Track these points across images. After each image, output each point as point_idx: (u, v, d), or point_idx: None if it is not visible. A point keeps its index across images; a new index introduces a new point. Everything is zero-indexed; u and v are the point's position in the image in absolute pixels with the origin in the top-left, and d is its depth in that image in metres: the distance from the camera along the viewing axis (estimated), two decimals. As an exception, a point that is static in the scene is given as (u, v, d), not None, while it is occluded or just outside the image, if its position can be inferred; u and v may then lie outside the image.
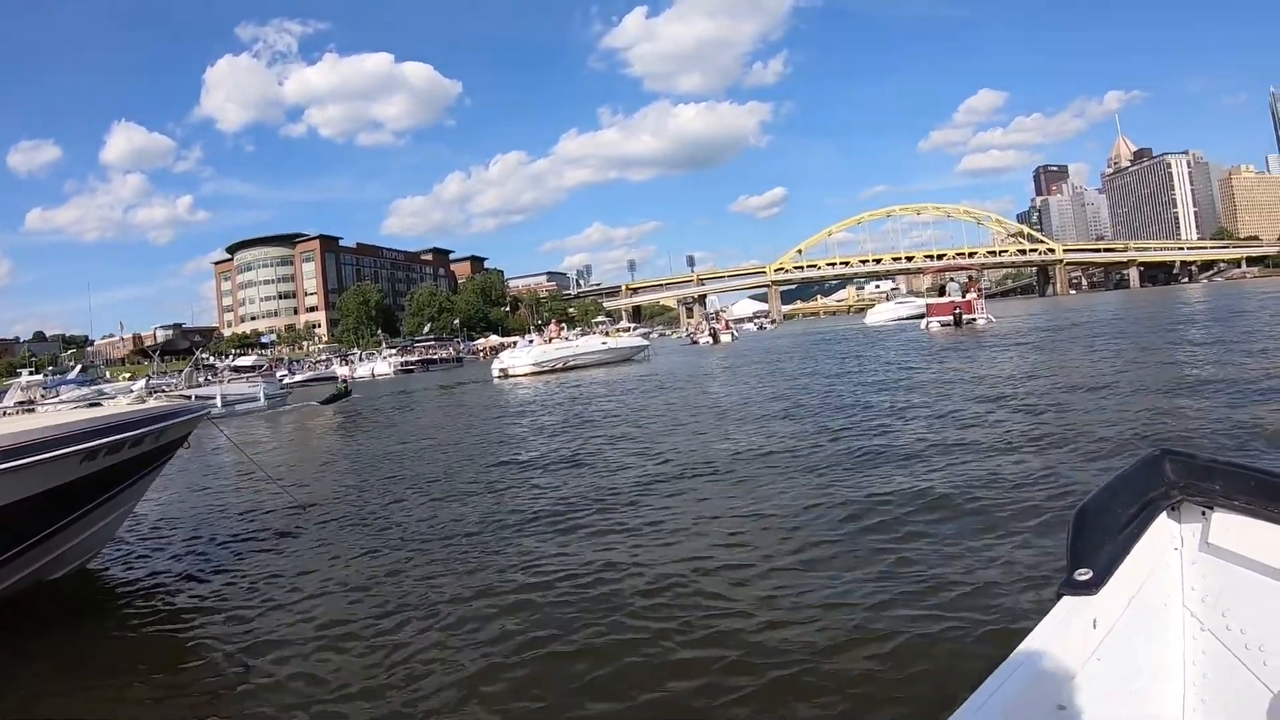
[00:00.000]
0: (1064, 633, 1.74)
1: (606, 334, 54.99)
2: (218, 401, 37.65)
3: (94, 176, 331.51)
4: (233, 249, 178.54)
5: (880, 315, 76.57)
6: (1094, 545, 1.90)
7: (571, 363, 44.14)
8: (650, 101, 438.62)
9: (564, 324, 69.70)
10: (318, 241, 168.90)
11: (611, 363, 45.59)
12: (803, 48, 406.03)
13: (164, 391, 38.79)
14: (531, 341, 49.35)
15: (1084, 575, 1.81)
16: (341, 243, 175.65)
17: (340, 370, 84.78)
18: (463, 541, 7.88)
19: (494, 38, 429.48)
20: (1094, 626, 1.79)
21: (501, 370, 43.81)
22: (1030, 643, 1.70)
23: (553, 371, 42.64)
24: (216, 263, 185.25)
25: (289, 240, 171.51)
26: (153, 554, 8.98)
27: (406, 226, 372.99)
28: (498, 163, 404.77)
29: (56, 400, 44.48)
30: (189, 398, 37.48)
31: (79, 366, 67.40)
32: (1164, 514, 1.99)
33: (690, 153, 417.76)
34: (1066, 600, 1.79)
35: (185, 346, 55.32)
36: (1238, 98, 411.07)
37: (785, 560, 6.17)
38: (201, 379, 42.80)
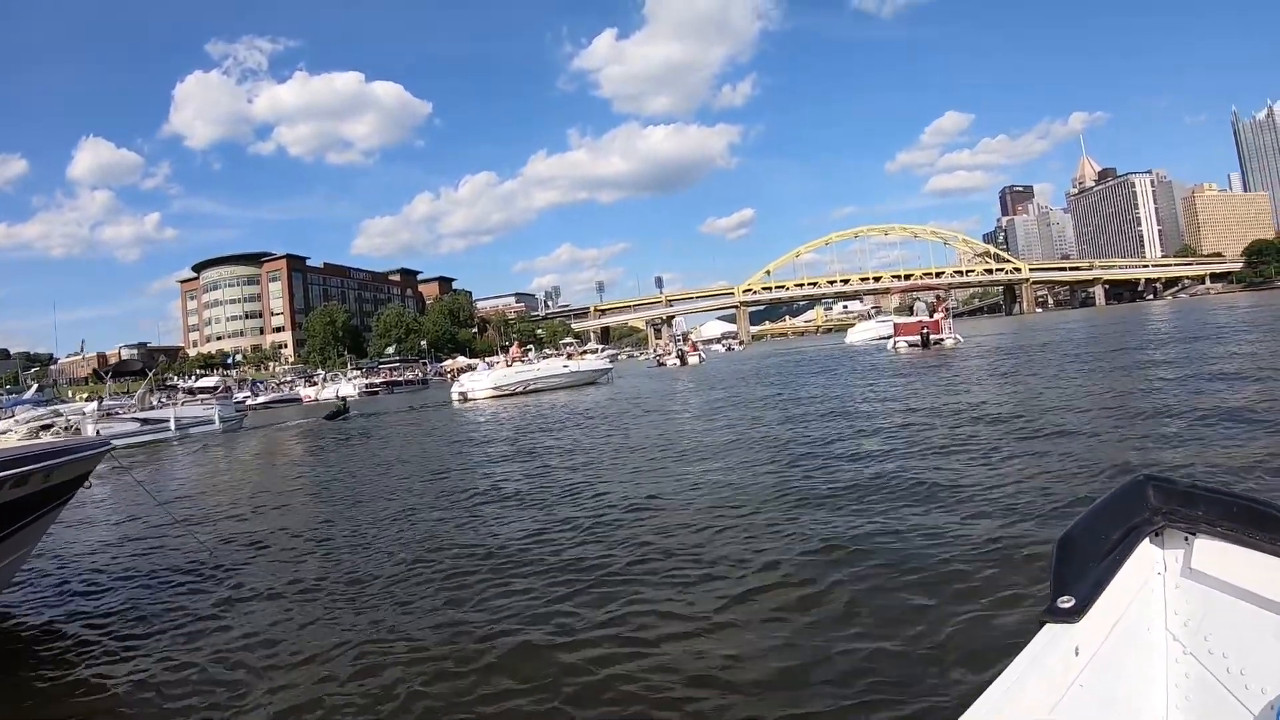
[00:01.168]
0: (1046, 661, 1.73)
1: (569, 356, 54.50)
2: (171, 425, 37.22)
3: (61, 192, 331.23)
4: (199, 267, 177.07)
5: (862, 334, 76.67)
6: (1077, 572, 1.91)
7: (532, 386, 43.80)
8: (620, 123, 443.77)
9: (528, 346, 69.44)
10: (285, 261, 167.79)
11: (574, 385, 45.32)
12: (771, 71, 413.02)
13: (118, 413, 38.09)
14: (492, 365, 49.00)
15: (1067, 603, 1.81)
16: (309, 262, 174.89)
17: (304, 392, 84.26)
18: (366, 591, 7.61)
19: (464, 58, 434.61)
20: (1076, 654, 1.78)
21: (461, 394, 43.37)
22: (1011, 672, 1.69)
23: (513, 395, 42.31)
24: (182, 281, 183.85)
25: (256, 259, 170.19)
26: (46, 602, 8.60)
27: (375, 246, 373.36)
28: (467, 183, 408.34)
29: (11, 420, 43.63)
30: (141, 420, 37.18)
31: (35, 386, 65.91)
32: (1147, 539, 2.01)
33: (659, 174, 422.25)
34: (1049, 628, 1.79)
35: (139, 367, 54.22)
36: (1199, 118, 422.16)
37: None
38: (156, 400, 42.21)
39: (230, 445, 31.22)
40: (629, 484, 11.13)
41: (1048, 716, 1.67)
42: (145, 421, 37.19)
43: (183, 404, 42.00)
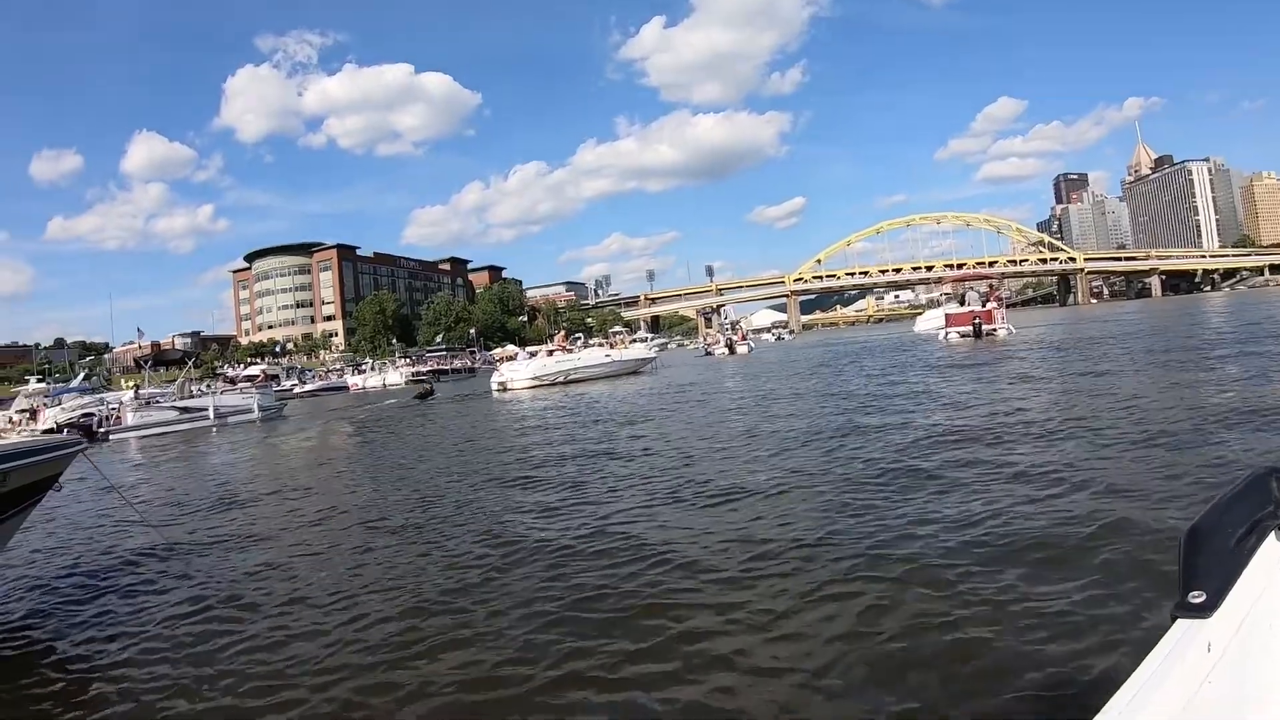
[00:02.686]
0: (1179, 657, 1.65)
1: (611, 345, 53.70)
2: (210, 413, 37.08)
3: (115, 185, 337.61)
4: (250, 258, 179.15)
5: (929, 323, 75.05)
6: (1205, 566, 1.79)
7: (573, 376, 43.02)
8: (668, 112, 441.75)
9: (577, 335, 68.79)
10: (335, 251, 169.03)
11: (615, 375, 44.48)
12: (821, 58, 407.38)
13: (158, 402, 38.13)
14: (533, 354, 48.35)
15: (1198, 598, 1.72)
16: (359, 252, 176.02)
17: (352, 380, 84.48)
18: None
19: (513, 49, 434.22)
20: (1208, 650, 1.68)
21: (500, 384, 42.75)
22: (1146, 667, 1.63)
23: (553, 385, 41.60)
24: (234, 271, 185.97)
25: (306, 249, 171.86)
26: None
27: (425, 236, 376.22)
28: (516, 173, 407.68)
29: (58, 409, 43.96)
30: (180, 409, 37.11)
31: (82, 375, 66.84)
32: (1273, 534, 1.87)
33: (708, 162, 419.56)
34: (1180, 623, 1.70)
35: (179, 356, 54.44)
36: (1256, 103, 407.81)
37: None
38: (196, 389, 42.18)
39: (259, 435, 30.84)
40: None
41: (1182, 715, 1.55)
42: (184, 410, 37.21)
43: (222, 393, 41.96)
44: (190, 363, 46.35)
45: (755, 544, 7.07)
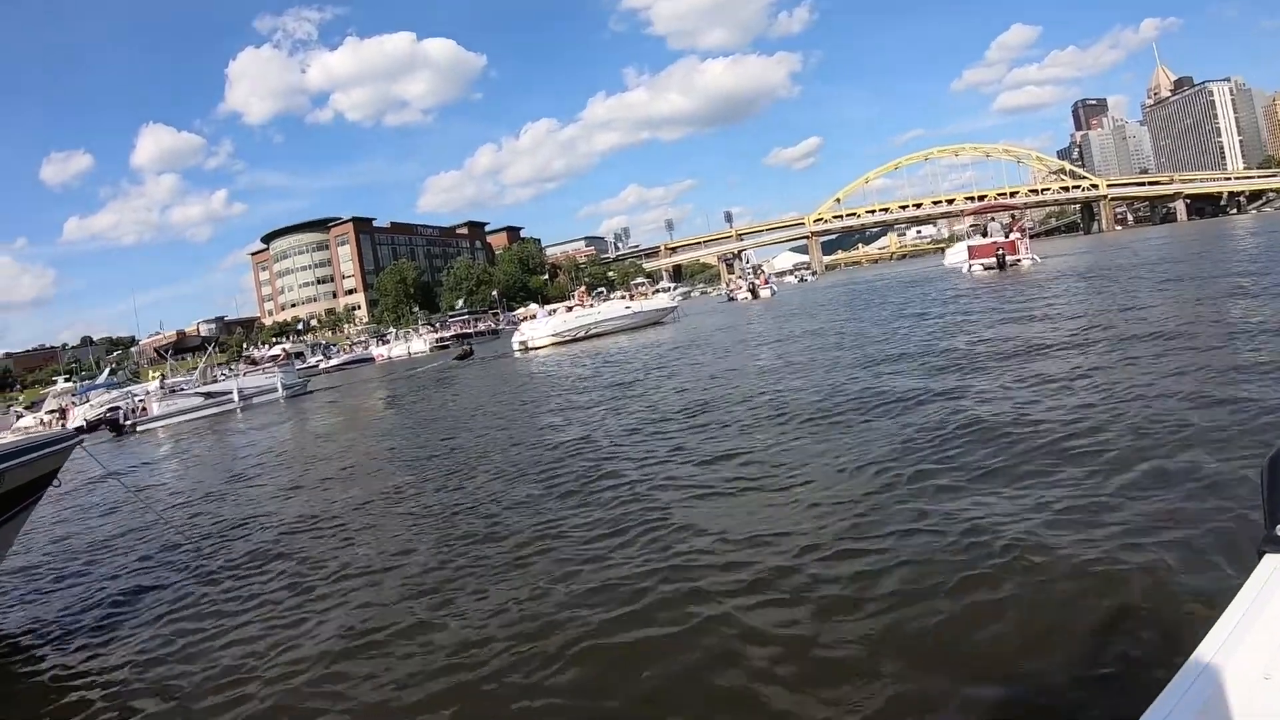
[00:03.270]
0: (1268, 595, 1.62)
1: (631, 297, 53.31)
2: (235, 396, 37.11)
3: (127, 180, 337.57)
4: (268, 238, 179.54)
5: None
6: None
7: (594, 330, 42.70)
8: (675, 59, 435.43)
9: (600, 289, 68.44)
10: (351, 224, 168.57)
11: (637, 327, 44.09)
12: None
13: (182, 389, 38.20)
14: (552, 311, 47.99)
15: None
16: (375, 223, 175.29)
17: (377, 351, 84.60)
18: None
19: (513, 7, 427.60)
20: None
21: (522, 343, 42.59)
22: (1235, 607, 1.61)
23: (574, 341, 41.32)
24: (253, 253, 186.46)
25: (323, 225, 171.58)
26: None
27: (442, 203, 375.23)
28: (527, 132, 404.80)
29: (86, 405, 44.20)
30: (205, 395, 37.15)
31: (108, 370, 67.38)
32: None
33: (721, 108, 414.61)
34: (1270, 559, 1.68)
35: (199, 343, 54.76)
36: (1277, 20, 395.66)
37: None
38: (220, 373, 42.22)
39: (283, 415, 30.75)
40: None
41: (1274, 654, 1.52)
42: (209, 395, 37.25)
43: (245, 374, 41.96)
44: (210, 348, 46.43)
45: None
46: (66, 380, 64.43)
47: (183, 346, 50.28)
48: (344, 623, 5.70)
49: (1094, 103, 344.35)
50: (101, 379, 57.38)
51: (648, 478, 8.46)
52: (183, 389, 38.27)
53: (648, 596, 5.21)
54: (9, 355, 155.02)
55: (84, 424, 41.14)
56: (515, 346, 43.10)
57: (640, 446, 10.38)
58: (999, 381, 10.71)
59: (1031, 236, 51.09)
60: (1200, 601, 3.93)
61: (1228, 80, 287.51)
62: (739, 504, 6.97)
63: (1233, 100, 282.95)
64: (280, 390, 38.85)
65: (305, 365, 71.57)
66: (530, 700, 4.23)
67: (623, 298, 55.12)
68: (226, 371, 43.55)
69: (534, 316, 51.26)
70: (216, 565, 7.95)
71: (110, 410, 38.46)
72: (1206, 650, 1.47)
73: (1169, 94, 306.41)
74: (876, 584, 4.82)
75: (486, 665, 4.69)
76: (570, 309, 46.13)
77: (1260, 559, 1.63)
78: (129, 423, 35.02)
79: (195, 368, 43.90)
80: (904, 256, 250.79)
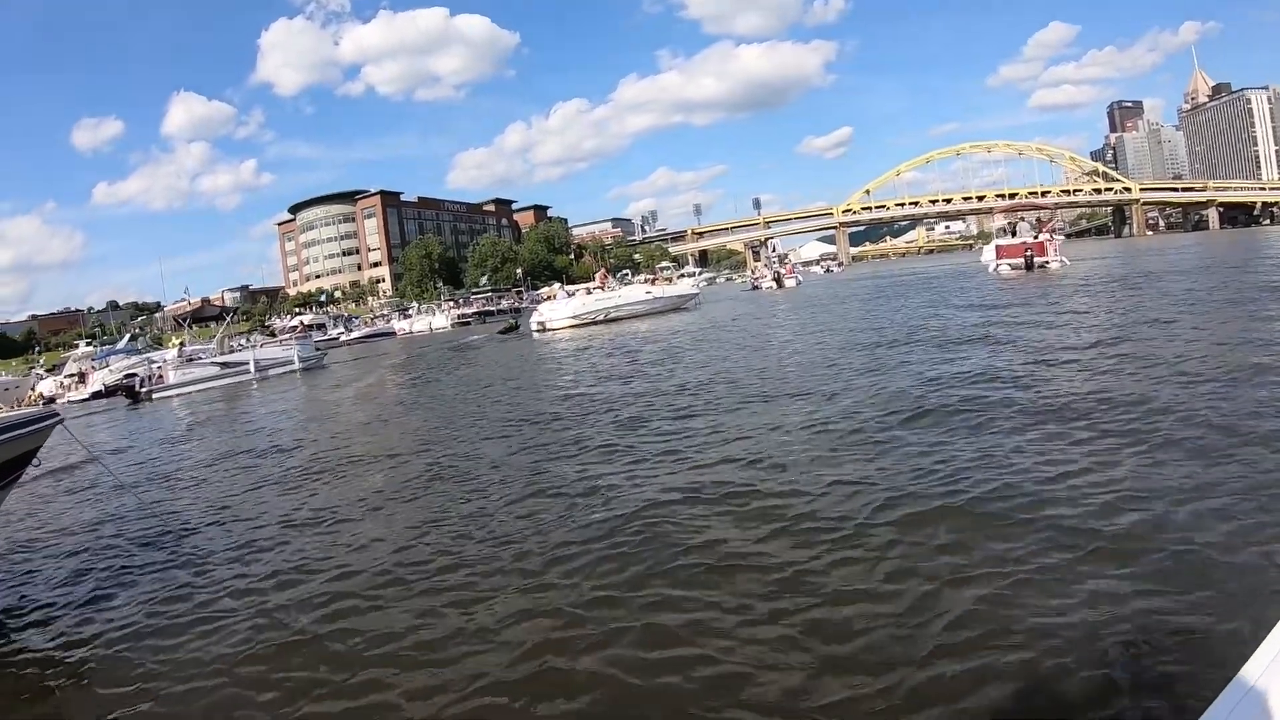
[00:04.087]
0: None
1: (653, 282, 52.97)
2: (251, 366, 37.08)
3: (157, 148, 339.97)
4: (295, 209, 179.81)
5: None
6: None
7: (613, 314, 42.34)
8: (709, 44, 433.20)
9: (624, 271, 68.07)
10: (378, 197, 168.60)
11: (657, 313, 43.71)
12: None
13: (200, 358, 38.24)
14: (571, 293, 47.67)
15: None
16: (403, 198, 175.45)
17: (398, 325, 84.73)
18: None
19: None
20: None
21: (540, 324, 42.30)
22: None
23: (593, 324, 41.03)
24: (280, 224, 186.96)
25: (350, 197, 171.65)
26: None
27: (470, 179, 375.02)
28: (558, 111, 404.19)
29: (105, 370, 44.38)
30: (221, 364, 37.15)
31: (128, 336, 67.63)
32: None
33: (754, 94, 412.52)
34: None
35: (217, 313, 54.87)
36: None
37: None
38: (237, 343, 42.24)
39: (297, 387, 30.71)
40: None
41: None
42: (225, 365, 37.29)
43: (262, 346, 41.98)
44: (229, 318, 46.41)
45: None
46: (88, 345, 64.78)
47: (202, 315, 50.43)
48: (313, 615, 5.52)
49: (1130, 105, 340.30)
50: (121, 344, 57.48)
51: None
52: (200, 358, 38.30)
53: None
54: (34, 317, 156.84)
55: (102, 388, 41.46)
56: (533, 326, 42.83)
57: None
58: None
59: (1066, 237, 50.23)
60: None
61: (1266, 88, 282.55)
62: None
63: (1270, 109, 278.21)
64: (296, 363, 38.78)
65: (326, 337, 71.76)
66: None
67: (646, 281, 54.81)
68: (244, 342, 43.58)
69: (553, 296, 51.01)
70: (183, 555, 7.70)
71: (127, 377, 38.56)
72: (1255, 665, 1.48)
73: (1206, 99, 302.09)
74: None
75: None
76: (590, 291, 45.81)
77: None
78: (144, 390, 35.06)
79: (215, 336, 43.99)
80: (931, 251, 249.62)
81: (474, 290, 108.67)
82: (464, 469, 9.85)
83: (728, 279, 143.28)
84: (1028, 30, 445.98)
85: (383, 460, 11.37)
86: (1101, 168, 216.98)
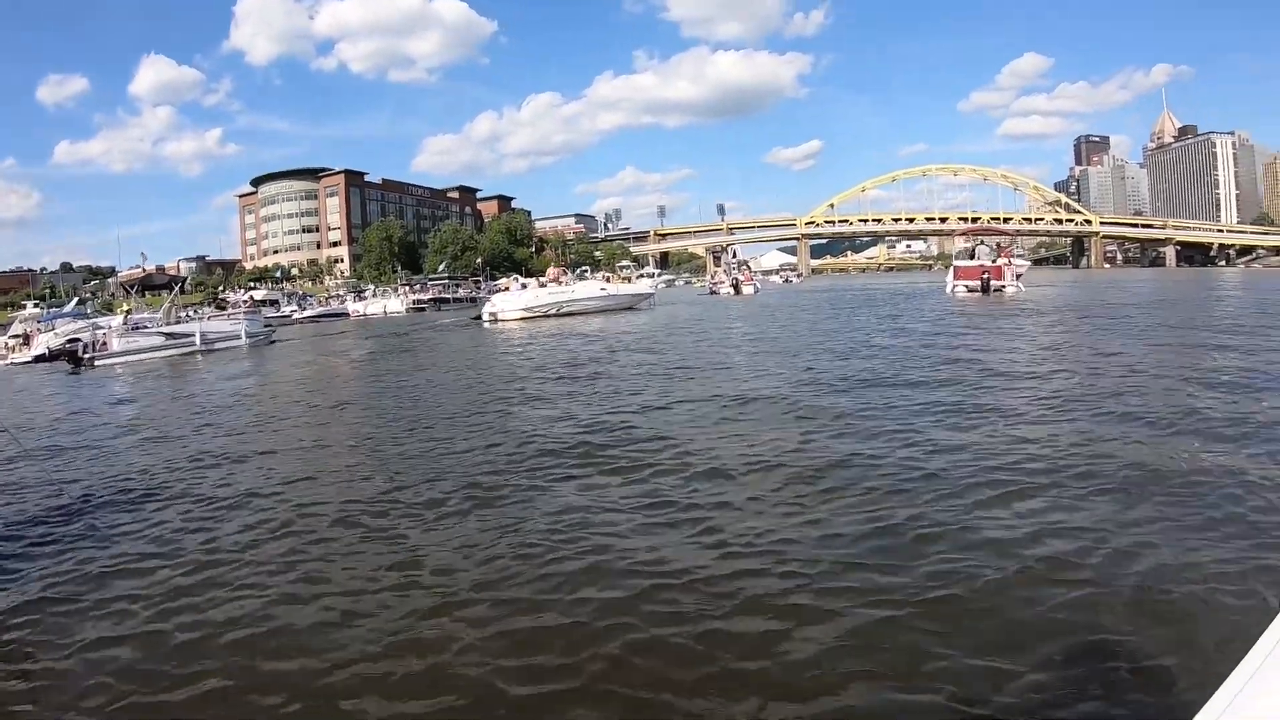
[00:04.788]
0: None
1: (608, 279, 53.28)
2: (196, 340, 36.72)
3: (123, 109, 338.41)
4: (257, 182, 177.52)
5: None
6: None
7: (565, 308, 42.62)
8: (687, 47, 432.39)
9: (583, 267, 68.18)
10: (342, 176, 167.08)
11: (611, 310, 43.99)
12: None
13: (146, 327, 37.80)
14: (525, 285, 47.77)
15: None
16: (367, 178, 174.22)
17: (352, 307, 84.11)
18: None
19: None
20: None
21: (491, 314, 42.45)
22: (1249, 662, 1.61)
23: (545, 317, 41.23)
24: (241, 196, 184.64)
25: (314, 174, 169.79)
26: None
27: (436, 165, 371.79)
28: (530, 103, 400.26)
29: (50, 334, 43.76)
30: (166, 335, 36.79)
31: (76, 299, 66.73)
32: None
33: (726, 101, 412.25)
34: None
35: (166, 281, 54.20)
36: None
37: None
38: (183, 315, 41.81)
39: (249, 363, 30.48)
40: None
41: None
42: (170, 336, 36.82)
43: (210, 318, 41.62)
44: (177, 287, 45.85)
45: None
46: (35, 306, 63.70)
47: (151, 283, 49.83)
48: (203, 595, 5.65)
49: (1097, 139, 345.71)
50: (68, 308, 56.58)
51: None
52: (146, 327, 37.87)
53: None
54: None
55: (46, 351, 40.84)
56: (485, 317, 42.91)
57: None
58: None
59: (1034, 263, 51.14)
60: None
61: (1232, 134, 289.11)
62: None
63: (1234, 154, 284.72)
64: (244, 338, 38.50)
65: (279, 314, 71.03)
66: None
67: (608, 279, 55.06)
68: (192, 313, 43.17)
69: (507, 288, 51.02)
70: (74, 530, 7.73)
71: (70, 342, 38.03)
72: (1216, 707, 1.47)
73: (1172, 140, 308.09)
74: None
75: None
76: (544, 285, 46.00)
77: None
78: (87, 356, 34.58)
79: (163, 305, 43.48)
80: (891, 269, 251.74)
81: (431, 276, 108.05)
82: (378, 455, 10.08)
83: (687, 282, 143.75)
84: (1003, 59, 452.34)
85: (307, 447, 11.50)
86: (1064, 198, 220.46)
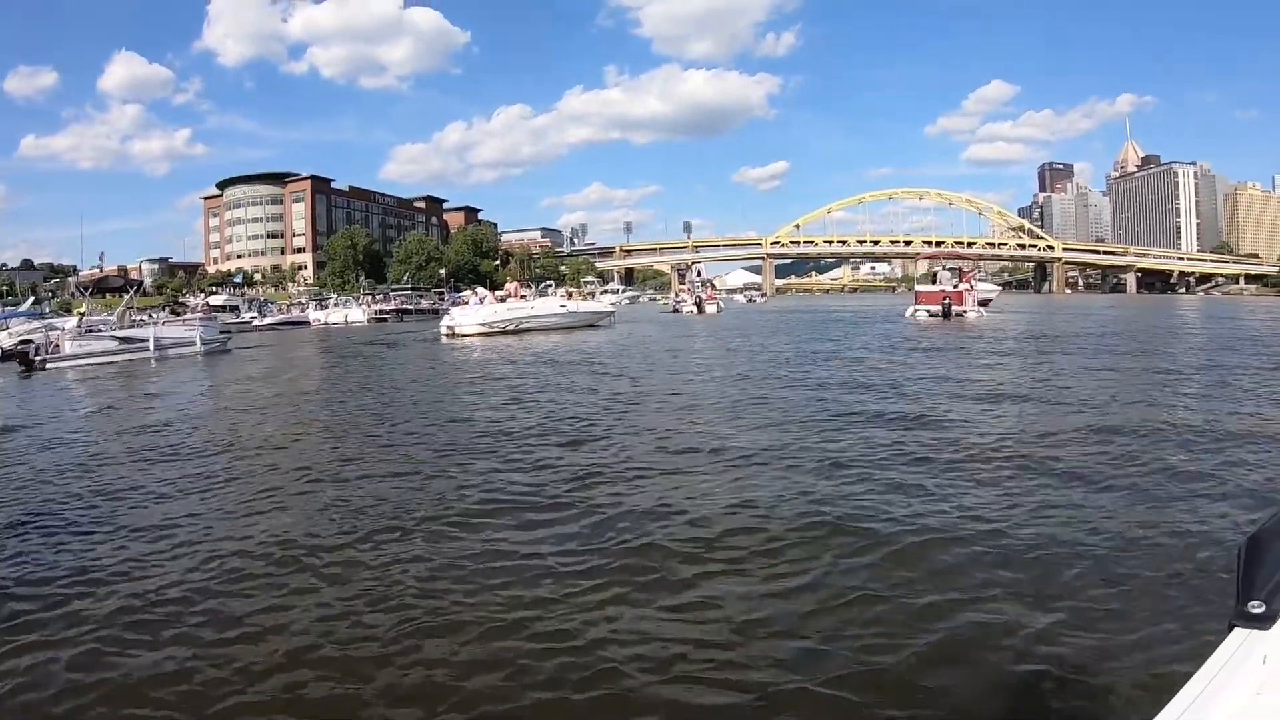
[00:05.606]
0: (1235, 668, 1.65)
1: (569, 295, 53.34)
2: (150, 345, 36.37)
3: (91, 105, 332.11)
4: (223, 185, 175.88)
5: None
6: (1265, 577, 1.79)
7: (524, 325, 42.57)
8: (659, 64, 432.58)
9: (547, 282, 68.07)
10: (309, 182, 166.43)
11: (570, 327, 44.07)
12: (817, 22, 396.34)
13: (99, 330, 37.42)
14: (483, 300, 47.63)
15: (1257, 608, 1.73)
16: (334, 185, 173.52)
17: (313, 315, 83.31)
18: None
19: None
20: (1264, 662, 1.67)
21: (449, 329, 42.29)
22: (1201, 677, 1.63)
23: (503, 333, 41.22)
24: (206, 198, 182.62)
25: (280, 179, 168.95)
26: None
27: (405, 173, 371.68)
28: (500, 114, 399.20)
29: (4, 333, 43.24)
30: (120, 339, 36.42)
31: (32, 299, 66.06)
32: None
33: (695, 119, 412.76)
34: (1238, 633, 1.72)
35: (120, 284, 53.74)
36: (1249, 113, 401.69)
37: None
38: (138, 319, 41.38)
39: (203, 371, 30.32)
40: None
41: None
42: (124, 340, 36.46)
43: (164, 324, 41.25)
44: (132, 290, 45.40)
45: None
46: (-6, 304, 63.03)
47: (106, 285, 49.56)
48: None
49: (1060, 167, 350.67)
50: (24, 308, 55.99)
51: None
52: (100, 330, 37.48)
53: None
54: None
55: None
56: (442, 330, 42.80)
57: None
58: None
59: (1004, 286, 51.77)
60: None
61: (1194, 164, 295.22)
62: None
63: (1196, 184, 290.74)
64: (199, 345, 38.19)
65: (238, 320, 70.42)
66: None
67: (569, 296, 55.05)
68: (148, 318, 42.71)
69: (466, 302, 50.86)
70: None
71: (22, 343, 37.57)
72: (1170, 713, 1.51)
73: (1135, 169, 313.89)
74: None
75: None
76: (503, 299, 45.98)
77: (1230, 631, 1.71)
78: (39, 359, 34.18)
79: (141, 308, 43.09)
80: (855, 290, 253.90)
81: (394, 287, 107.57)
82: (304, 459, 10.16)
83: (651, 299, 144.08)
84: (970, 85, 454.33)
85: (248, 459, 11.59)
86: (1028, 224, 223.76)
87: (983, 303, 48.24)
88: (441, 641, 5.06)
